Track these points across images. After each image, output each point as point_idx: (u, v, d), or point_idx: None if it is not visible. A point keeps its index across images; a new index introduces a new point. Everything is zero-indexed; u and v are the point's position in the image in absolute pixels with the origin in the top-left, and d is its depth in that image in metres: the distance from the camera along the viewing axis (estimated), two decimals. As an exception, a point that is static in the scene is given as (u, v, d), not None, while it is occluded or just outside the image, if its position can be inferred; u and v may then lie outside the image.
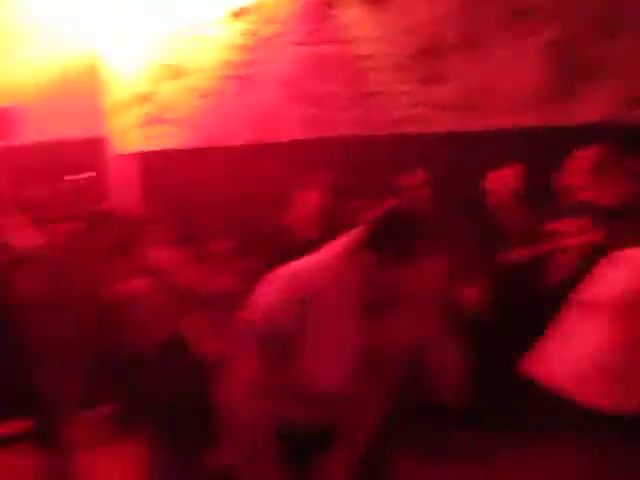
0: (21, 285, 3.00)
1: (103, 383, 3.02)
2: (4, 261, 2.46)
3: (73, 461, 2.25)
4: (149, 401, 2.76)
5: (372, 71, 3.84)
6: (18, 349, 2.23)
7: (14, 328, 2.24)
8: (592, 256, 1.44)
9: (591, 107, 3.59)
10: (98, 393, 3.07)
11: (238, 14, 3.78)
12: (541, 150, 3.32)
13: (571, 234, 2.31)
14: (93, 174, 3.00)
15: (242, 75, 3.80)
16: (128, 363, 2.87)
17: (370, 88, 3.92)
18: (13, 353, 2.20)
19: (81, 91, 3.49)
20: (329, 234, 3.01)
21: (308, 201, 3.17)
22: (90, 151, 3.50)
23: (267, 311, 1.35)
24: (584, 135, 2.41)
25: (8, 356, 2.22)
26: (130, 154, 3.58)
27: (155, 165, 3.56)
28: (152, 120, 3.64)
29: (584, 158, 2.25)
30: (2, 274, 2.50)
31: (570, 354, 1.32)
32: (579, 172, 2.26)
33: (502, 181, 3.29)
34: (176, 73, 3.70)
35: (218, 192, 3.54)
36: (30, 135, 3.47)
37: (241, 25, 3.81)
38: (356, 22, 3.95)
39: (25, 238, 2.63)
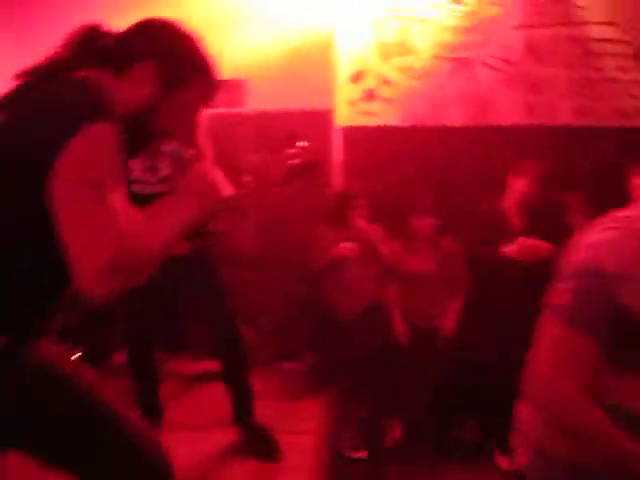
0: (234, 243, 3.33)
1: (301, 338, 3.25)
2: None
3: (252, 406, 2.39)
4: (346, 358, 2.93)
5: (605, 57, 3.57)
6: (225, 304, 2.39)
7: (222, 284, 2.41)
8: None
9: None
10: (294, 347, 3.31)
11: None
12: None
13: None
14: (307, 144, 3.18)
15: (459, 57, 3.77)
16: (330, 322, 3.08)
17: (598, 75, 3.66)
18: (221, 307, 2.37)
19: (311, 65, 3.70)
20: (534, 224, 2.93)
21: (516, 188, 3.08)
22: (315, 123, 3.72)
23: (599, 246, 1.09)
24: None
25: (216, 308, 2.39)
26: (347, 127, 3.74)
27: (368, 140, 3.68)
28: (369, 97, 3.75)
29: None
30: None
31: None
32: None
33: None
34: (395, 52, 3.77)
35: (426, 171, 3.56)
36: (260, 105, 3.78)
37: (461, 7, 3.76)
38: (589, 4, 3.71)
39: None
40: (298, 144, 3.14)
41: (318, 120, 3.73)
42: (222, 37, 3.82)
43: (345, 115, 3.75)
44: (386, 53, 3.78)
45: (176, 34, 1.27)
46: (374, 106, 3.75)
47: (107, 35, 1.25)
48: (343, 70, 3.77)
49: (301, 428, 2.52)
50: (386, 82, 3.76)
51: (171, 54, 1.24)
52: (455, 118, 3.73)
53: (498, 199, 3.11)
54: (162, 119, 1.23)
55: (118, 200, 1.06)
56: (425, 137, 3.67)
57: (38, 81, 1.17)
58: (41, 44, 1.30)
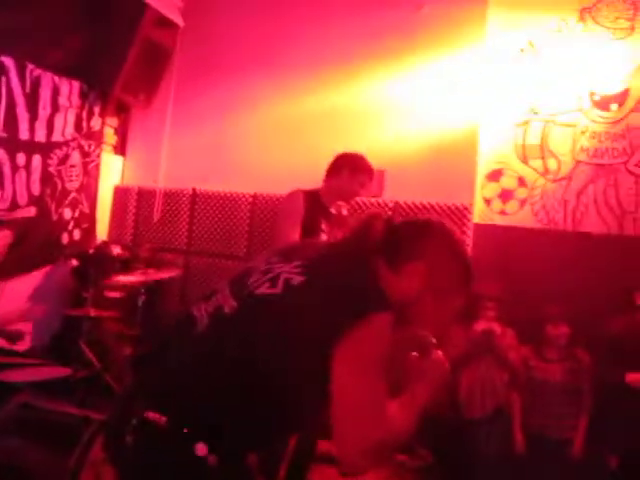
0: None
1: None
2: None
3: None
4: (466, 459, 3.02)
5: None
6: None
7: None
8: None
9: None
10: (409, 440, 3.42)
11: (602, 102, 3.80)
12: None
13: None
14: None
15: (601, 163, 3.81)
16: (452, 420, 3.17)
17: None
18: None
19: (452, 160, 3.92)
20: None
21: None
22: (452, 218, 3.89)
23: None
24: None
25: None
26: (479, 225, 3.87)
27: (499, 239, 3.78)
28: (505, 196, 3.88)
29: None
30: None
31: None
32: None
33: None
34: (534, 154, 3.88)
35: (560, 276, 3.59)
36: (400, 195, 4.01)
37: (606, 113, 3.81)
38: None
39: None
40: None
41: (456, 215, 3.90)
42: (369, 127, 4.14)
43: (481, 212, 3.89)
44: (525, 154, 3.91)
45: (451, 244, 1.40)
46: (509, 206, 3.87)
47: (389, 226, 1.41)
48: (482, 168, 3.94)
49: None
50: (523, 183, 3.88)
51: (444, 263, 1.36)
52: (592, 224, 3.75)
53: (631, 317, 3.11)
54: (421, 315, 1.38)
55: (384, 387, 1.20)
56: (559, 241, 3.72)
57: (332, 256, 1.38)
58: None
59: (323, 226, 3.01)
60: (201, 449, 1.23)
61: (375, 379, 1.17)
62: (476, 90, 3.99)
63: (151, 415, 1.25)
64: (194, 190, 4.62)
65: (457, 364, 3.22)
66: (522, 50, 3.95)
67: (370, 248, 1.37)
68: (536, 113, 3.92)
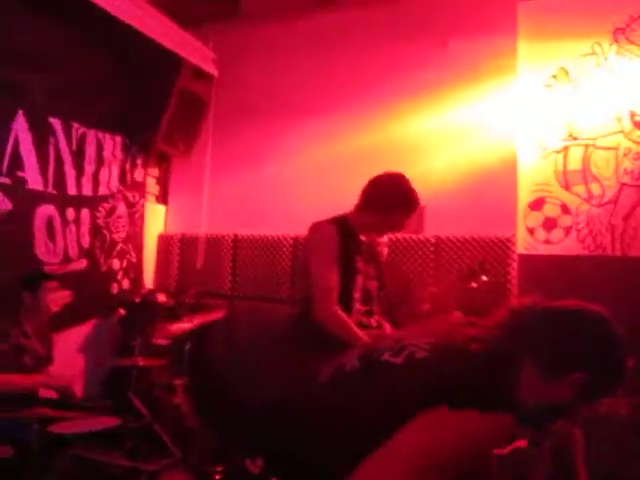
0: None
1: None
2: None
3: None
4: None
5: None
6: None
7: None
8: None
9: None
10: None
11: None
12: None
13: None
14: (492, 278, 3.29)
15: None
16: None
17: None
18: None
19: (497, 193, 3.86)
20: None
21: None
22: (496, 250, 3.82)
23: None
24: None
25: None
26: (523, 255, 3.79)
27: (545, 269, 3.68)
28: (549, 224, 3.79)
29: None
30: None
31: None
32: None
33: None
34: (576, 180, 3.80)
35: (612, 303, 3.45)
36: (441, 230, 3.97)
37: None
38: None
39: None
40: (483, 278, 3.25)
41: (499, 247, 3.83)
42: (406, 163, 4.14)
43: (525, 243, 3.82)
44: (567, 181, 3.83)
45: (615, 347, 1.31)
46: (554, 234, 3.78)
47: (537, 325, 1.33)
48: (523, 197, 3.87)
49: None
50: (567, 210, 3.79)
51: (608, 372, 1.29)
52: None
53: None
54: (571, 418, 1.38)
55: None
56: (609, 268, 3.61)
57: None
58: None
59: (359, 265, 2.80)
60: None
61: None
62: (511, 120, 3.96)
63: (248, 463, 1.43)
64: (236, 235, 4.69)
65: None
66: (555, 77, 3.91)
67: (516, 348, 1.30)
68: (575, 138, 3.85)
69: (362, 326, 2.69)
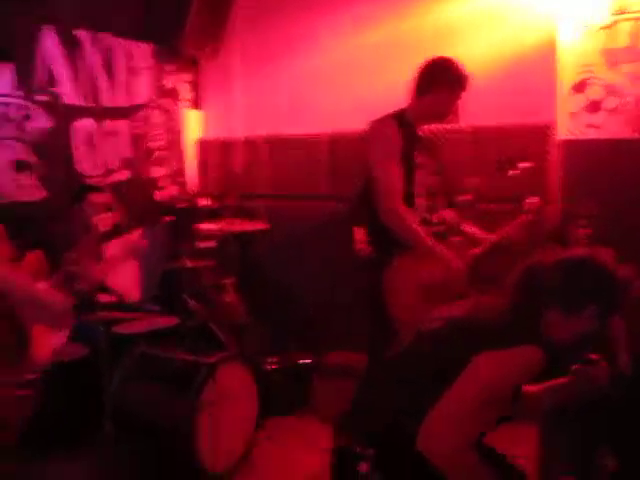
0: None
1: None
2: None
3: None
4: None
5: None
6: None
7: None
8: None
9: None
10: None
11: None
12: None
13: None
14: (531, 164, 3.22)
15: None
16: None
17: None
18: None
19: (535, 75, 3.71)
20: None
21: None
22: (535, 137, 3.73)
23: None
24: None
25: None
26: (567, 141, 3.69)
27: (591, 155, 3.59)
28: (593, 108, 3.65)
29: None
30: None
31: None
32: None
33: None
34: (624, 58, 3.60)
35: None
36: (477, 119, 3.87)
37: None
38: None
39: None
40: (521, 165, 3.19)
41: (538, 135, 3.73)
42: (439, 50, 3.99)
43: (567, 128, 3.70)
44: (614, 59, 3.63)
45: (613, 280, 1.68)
46: (599, 118, 3.65)
47: (552, 277, 1.64)
48: (565, 80, 3.71)
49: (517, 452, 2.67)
50: (613, 91, 3.63)
51: (612, 302, 1.67)
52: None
53: None
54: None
55: None
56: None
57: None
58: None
59: (419, 159, 2.77)
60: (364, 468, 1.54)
61: None
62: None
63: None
64: (272, 135, 4.68)
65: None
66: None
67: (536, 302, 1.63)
68: (624, 12, 3.60)
69: (425, 222, 2.72)
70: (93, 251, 2.97)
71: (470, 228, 3.05)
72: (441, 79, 2.73)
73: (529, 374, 1.53)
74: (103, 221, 2.41)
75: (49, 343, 1.92)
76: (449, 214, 2.91)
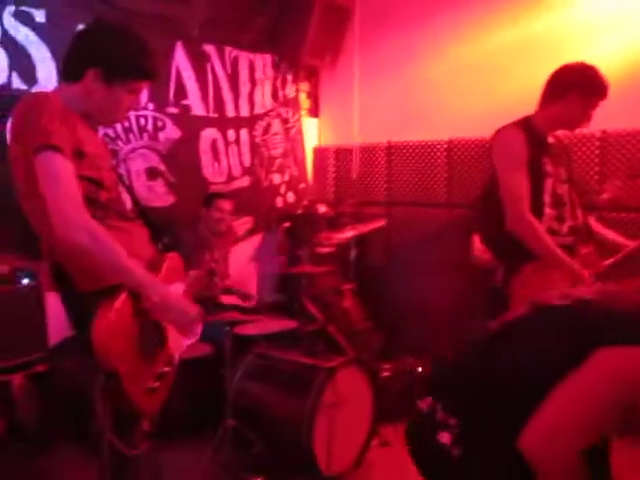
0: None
1: None
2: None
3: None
4: None
5: None
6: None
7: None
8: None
9: None
10: None
11: None
12: None
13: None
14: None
15: None
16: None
17: None
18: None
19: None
20: None
21: None
22: None
23: None
24: None
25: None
26: None
27: None
28: None
29: None
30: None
31: None
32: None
33: None
34: None
35: None
36: (607, 123, 3.64)
37: None
38: None
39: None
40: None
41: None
42: (565, 53, 3.80)
43: None
44: None
45: None
46: None
47: None
48: None
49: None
50: None
51: None
52: None
53: None
54: None
55: None
56: None
57: None
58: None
59: (548, 168, 2.66)
60: (445, 437, 1.43)
61: None
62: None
63: (420, 403, 1.54)
64: (389, 142, 4.68)
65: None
66: None
67: None
68: None
69: (552, 233, 2.62)
70: (228, 253, 3.12)
71: (608, 233, 2.88)
72: (576, 86, 2.58)
73: None
74: (240, 227, 2.52)
75: (182, 341, 2.02)
76: (582, 220, 2.76)
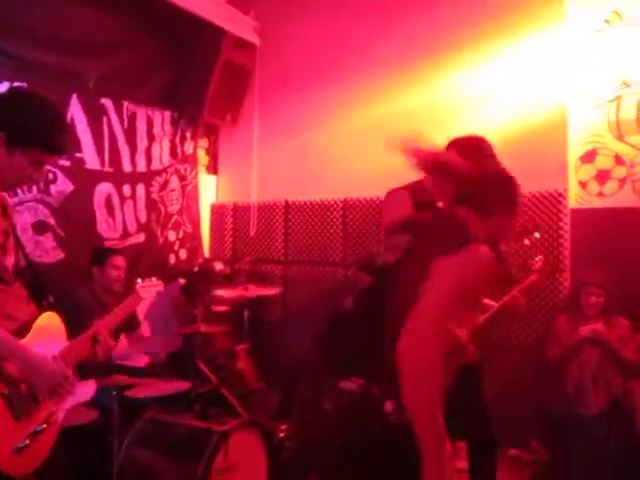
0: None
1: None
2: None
3: None
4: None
5: None
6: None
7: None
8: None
9: None
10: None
11: None
12: None
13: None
14: (539, 236, 3.26)
15: None
16: (568, 415, 3.09)
17: None
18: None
19: (543, 146, 3.81)
20: None
21: None
22: (548, 205, 3.83)
23: None
24: None
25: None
26: (575, 209, 3.74)
27: (599, 223, 3.64)
28: (602, 177, 3.72)
29: None
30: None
31: None
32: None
33: None
34: (631, 130, 3.69)
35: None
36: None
37: None
38: None
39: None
40: (535, 235, 3.24)
41: (550, 202, 3.80)
42: (453, 120, 4.11)
43: (577, 197, 3.76)
44: (620, 131, 3.73)
45: None
46: (608, 187, 3.71)
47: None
48: (575, 150, 3.80)
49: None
50: (620, 161, 3.70)
51: None
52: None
53: None
54: None
55: None
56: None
57: None
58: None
59: None
60: (388, 406, 1.59)
61: None
62: (561, 70, 3.86)
63: (344, 385, 1.67)
64: (286, 201, 4.78)
65: (564, 358, 3.15)
66: (607, 21, 3.77)
67: None
68: (628, 86, 3.73)
69: None
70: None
71: None
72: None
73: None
74: (148, 292, 2.45)
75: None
76: None
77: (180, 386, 3.16)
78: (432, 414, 1.58)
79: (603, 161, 3.74)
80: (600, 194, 3.72)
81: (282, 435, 3.50)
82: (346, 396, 1.66)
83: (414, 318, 1.59)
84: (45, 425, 1.84)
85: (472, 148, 2.66)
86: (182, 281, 4.20)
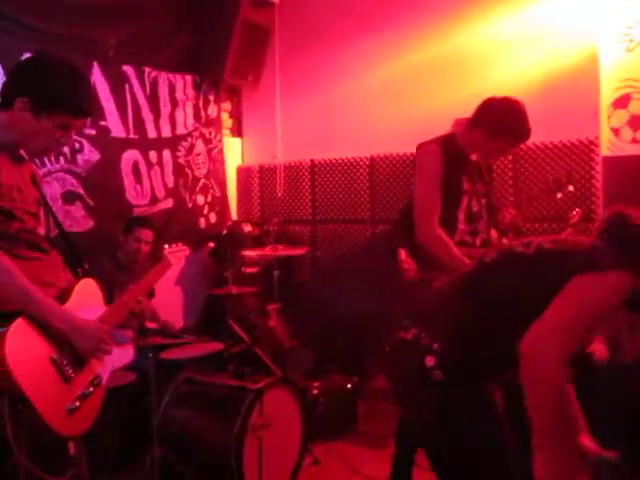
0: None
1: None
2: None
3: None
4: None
5: None
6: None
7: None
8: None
9: None
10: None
11: None
12: None
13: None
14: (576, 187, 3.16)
15: None
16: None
17: None
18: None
19: (576, 92, 3.69)
20: None
21: None
22: (580, 154, 3.74)
23: None
24: None
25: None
26: (608, 157, 3.63)
27: (634, 171, 3.53)
28: (636, 122, 3.58)
29: None
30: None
31: None
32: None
33: None
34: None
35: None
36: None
37: None
38: None
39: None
40: (569, 188, 3.16)
41: (581, 151, 3.69)
42: (479, 71, 4.00)
43: (609, 144, 3.64)
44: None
45: None
46: (641, 132, 3.58)
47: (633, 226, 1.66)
48: (607, 95, 3.66)
49: None
50: (656, 106, 3.56)
51: None
52: None
53: None
54: None
55: None
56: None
57: None
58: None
59: (465, 185, 2.77)
60: (429, 360, 1.66)
61: None
62: (592, 10, 3.69)
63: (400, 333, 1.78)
64: (312, 161, 4.75)
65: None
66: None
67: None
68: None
69: (465, 244, 2.73)
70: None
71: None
72: (484, 123, 2.69)
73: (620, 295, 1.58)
74: (177, 259, 2.48)
75: (110, 362, 2.00)
76: (494, 235, 2.90)
77: (214, 347, 3.23)
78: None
79: (637, 106, 3.59)
80: (634, 140, 3.59)
81: (315, 392, 3.58)
82: (400, 342, 1.79)
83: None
84: (92, 388, 1.91)
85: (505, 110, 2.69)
86: (211, 244, 4.25)
